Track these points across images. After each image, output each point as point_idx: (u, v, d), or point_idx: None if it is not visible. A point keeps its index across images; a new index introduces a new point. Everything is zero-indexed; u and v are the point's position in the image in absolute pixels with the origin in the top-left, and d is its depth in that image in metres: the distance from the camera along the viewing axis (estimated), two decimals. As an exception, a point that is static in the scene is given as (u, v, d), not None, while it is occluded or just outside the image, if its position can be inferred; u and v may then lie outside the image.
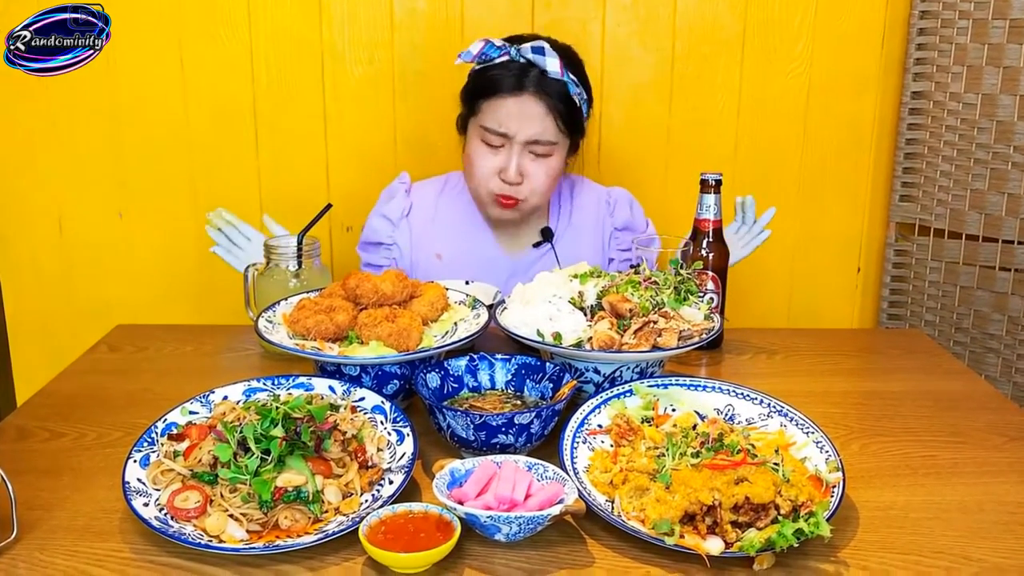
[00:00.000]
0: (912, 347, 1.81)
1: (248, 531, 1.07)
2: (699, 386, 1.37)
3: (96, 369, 1.64)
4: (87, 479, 1.23)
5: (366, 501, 1.13)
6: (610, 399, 1.33)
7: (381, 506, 1.09)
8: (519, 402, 1.37)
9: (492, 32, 1.81)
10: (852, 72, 2.29)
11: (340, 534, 1.06)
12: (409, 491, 1.17)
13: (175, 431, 1.23)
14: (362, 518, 1.06)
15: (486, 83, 1.75)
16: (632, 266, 1.55)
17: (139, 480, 1.15)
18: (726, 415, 1.32)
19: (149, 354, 1.71)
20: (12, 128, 2.26)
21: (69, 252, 2.35)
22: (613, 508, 1.12)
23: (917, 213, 2.33)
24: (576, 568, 1.05)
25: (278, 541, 1.05)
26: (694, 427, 1.25)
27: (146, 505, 1.10)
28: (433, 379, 1.35)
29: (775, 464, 1.12)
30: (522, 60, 1.72)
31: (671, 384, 1.37)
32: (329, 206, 1.75)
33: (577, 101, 1.76)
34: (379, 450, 1.21)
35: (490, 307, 1.52)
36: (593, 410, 1.31)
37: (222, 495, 1.10)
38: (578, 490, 1.10)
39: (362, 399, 1.31)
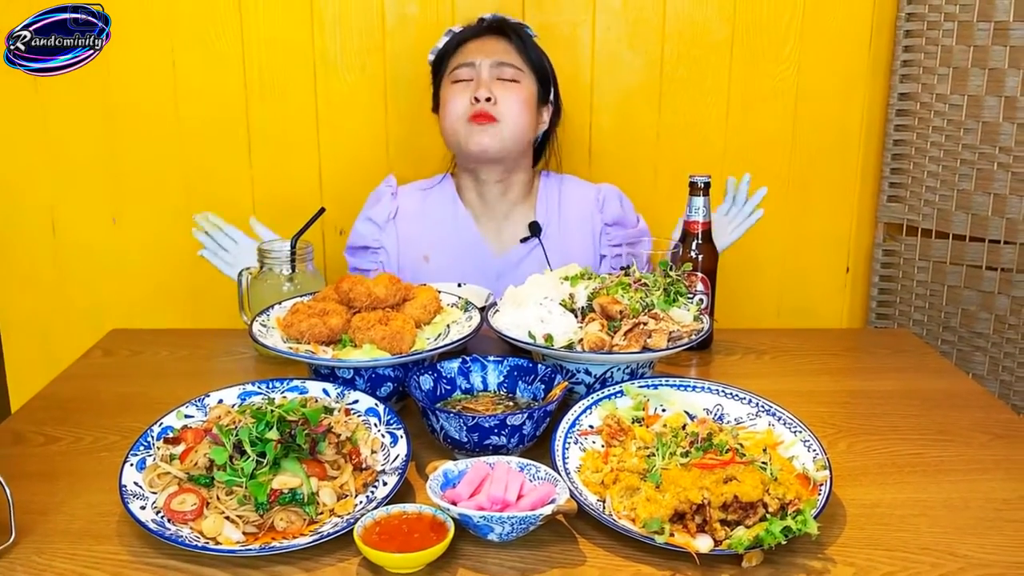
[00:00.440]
0: (900, 346, 1.83)
1: (244, 533, 1.08)
2: (689, 386, 1.38)
3: (91, 373, 1.65)
4: (84, 483, 1.24)
5: (361, 503, 1.14)
6: (601, 400, 1.34)
7: (375, 507, 1.10)
8: (511, 403, 1.38)
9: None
10: (840, 74, 2.31)
11: (335, 535, 1.07)
12: (403, 492, 1.18)
13: (171, 435, 1.24)
14: (357, 519, 1.07)
15: (451, 41, 1.89)
16: (622, 268, 1.57)
17: (136, 483, 1.16)
18: (715, 415, 1.34)
19: (144, 358, 1.72)
20: (5, 133, 2.26)
21: (63, 256, 2.35)
22: (604, 507, 1.14)
23: (905, 213, 2.35)
24: (568, 567, 1.06)
25: (274, 543, 1.06)
26: (684, 427, 1.26)
27: (143, 508, 1.11)
28: (426, 381, 1.37)
29: (763, 463, 1.14)
30: (482, 24, 1.89)
31: (661, 385, 1.38)
32: (322, 210, 1.76)
33: (539, 48, 1.90)
34: (373, 452, 1.23)
35: (482, 309, 1.53)
36: (584, 411, 1.32)
37: (218, 497, 1.11)
38: (570, 490, 1.12)
39: (356, 402, 1.32)
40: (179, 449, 1.20)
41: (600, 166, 2.31)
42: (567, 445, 1.26)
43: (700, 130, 2.34)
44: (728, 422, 1.32)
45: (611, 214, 1.95)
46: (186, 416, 1.29)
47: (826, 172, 2.38)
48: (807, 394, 1.56)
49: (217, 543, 1.06)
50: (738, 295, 2.32)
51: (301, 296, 1.55)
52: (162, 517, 1.10)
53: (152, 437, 1.24)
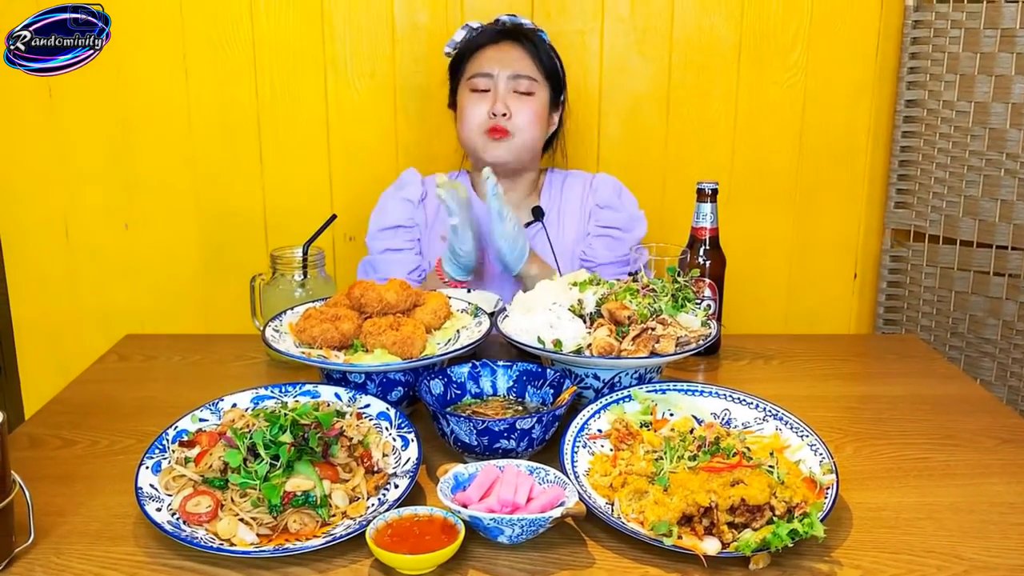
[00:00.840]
0: (908, 352, 1.83)
1: (258, 535, 1.10)
2: (696, 391, 1.39)
3: (106, 378, 1.67)
4: (100, 485, 1.25)
5: (372, 505, 1.16)
6: (609, 404, 1.36)
7: (387, 510, 1.12)
8: (520, 408, 1.40)
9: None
10: (847, 81, 2.32)
11: (347, 537, 1.09)
12: (414, 495, 1.20)
13: (186, 438, 1.26)
14: (369, 521, 1.09)
15: (469, 44, 1.94)
16: (630, 274, 1.58)
17: (151, 486, 1.17)
18: (723, 419, 1.35)
19: (158, 363, 1.74)
20: (19, 139, 2.29)
21: (76, 261, 2.37)
22: (613, 510, 1.15)
23: (912, 219, 2.36)
24: (577, 569, 1.07)
25: (287, 544, 1.08)
26: (691, 431, 1.28)
27: (158, 510, 1.13)
28: (436, 386, 1.38)
29: (770, 467, 1.15)
30: (499, 26, 1.94)
31: (669, 389, 1.39)
32: (334, 217, 1.78)
33: (553, 52, 1.94)
34: (384, 455, 1.24)
35: (491, 315, 1.55)
36: (593, 415, 1.34)
37: (232, 500, 1.12)
38: (579, 493, 1.13)
39: (367, 406, 1.34)
40: (194, 452, 1.21)
41: (608, 172, 2.32)
42: (576, 449, 1.27)
43: (707, 136, 2.35)
44: (735, 426, 1.33)
45: (603, 197, 1.98)
46: (201, 420, 1.30)
47: (834, 178, 2.39)
48: (814, 399, 1.57)
49: (231, 544, 1.08)
50: (746, 301, 2.32)
51: (313, 301, 1.57)
52: (177, 519, 1.12)
53: (167, 440, 1.26)
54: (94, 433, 1.42)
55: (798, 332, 2.44)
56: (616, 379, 1.42)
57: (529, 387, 1.42)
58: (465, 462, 1.21)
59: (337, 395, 1.36)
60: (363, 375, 1.38)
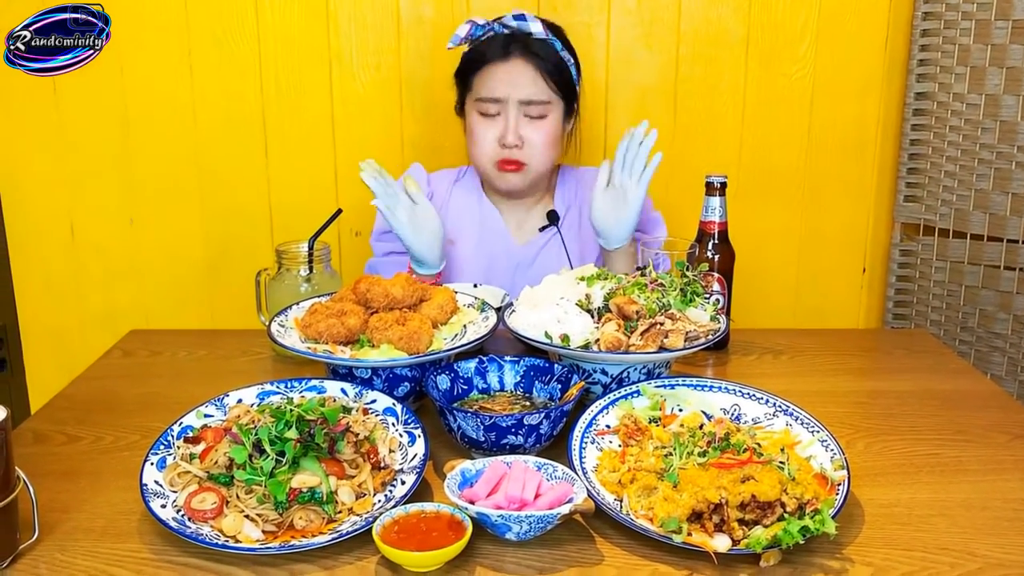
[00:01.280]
0: (917, 347, 1.82)
1: (264, 531, 1.09)
2: (705, 386, 1.38)
3: (111, 374, 1.66)
4: (105, 481, 1.25)
5: (379, 501, 1.15)
6: (618, 400, 1.35)
7: (394, 506, 1.11)
8: (528, 403, 1.39)
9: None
10: (856, 73, 2.31)
11: (354, 534, 1.08)
12: (421, 491, 1.19)
13: (191, 434, 1.25)
14: (375, 518, 1.08)
15: (475, 57, 1.83)
16: (638, 268, 1.57)
17: (156, 482, 1.17)
18: (732, 415, 1.34)
19: (163, 359, 1.73)
20: (24, 137, 2.29)
21: (81, 258, 2.37)
22: (622, 507, 1.14)
23: (922, 213, 2.34)
24: (586, 566, 1.06)
25: (293, 541, 1.07)
26: (701, 427, 1.27)
27: (163, 507, 1.12)
28: (443, 381, 1.37)
29: (781, 463, 1.14)
30: (506, 30, 1.80)
31: (678, 385, 1.38)
32: (339, 212, 1.77)
33: (565, 62, 1.82)
34: (391, 451, 1.23)
35: (498, 310, 1.54)
36: (601, 411, 1.33)
37: (238, 496, 1.12)
38: (587, 489, 1.12)
39: (374, 401, 1.33)
40: (199, 448, 1.21)
41: (615, 166, 2.31)
42: (584, 445, 1.26)
43: (715, 130, 2.33)
44: (745, 422, 1.32)
45: None
46: (206, 415, 1.30)
47: (842, 172, 2.37)
48: (824, 394, 1.56)
49: (237, 541, 1.07)
50: (754, 295, 2.31)
51: (319, 297, 1.56)
52: (182, 515, 1.11)
53: (172, 436, 1.25)
54: (99, 429, 1.41)
55: (807, 326, 2.43)
56: (624, 374, 1.41)
57: (536, 382, 1.41)
58: (472, 458, 1.20)
59: (343, 391, 1.35)
60: (369, 370, 1.37)
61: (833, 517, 1.06)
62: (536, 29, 1.79)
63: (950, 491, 1.23)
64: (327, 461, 1.16)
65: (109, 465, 1.30)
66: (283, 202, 2.34)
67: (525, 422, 1.22)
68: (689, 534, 1.07)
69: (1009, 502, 1.20)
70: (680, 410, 1.35)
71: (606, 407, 1.33)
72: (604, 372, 1.42)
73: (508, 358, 1.43)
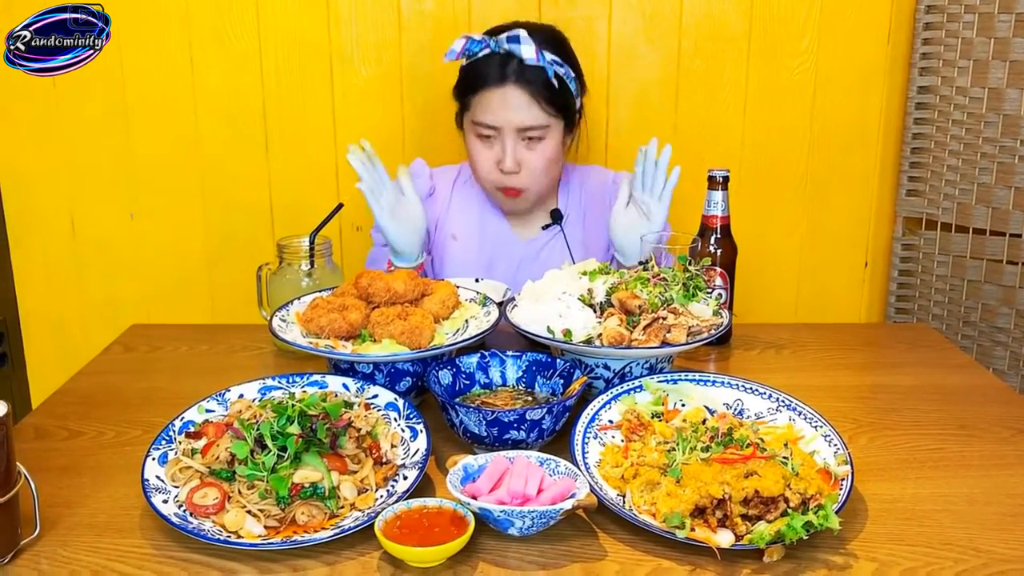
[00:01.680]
0: (920, 341, 1.82)
1: (266, 527, 1.09)
2: (708, 381, 1.38)
3: (112, 369, 1.66)
4: (106, 477, 1.25)
5: (381, 497, 1.15)
6: (620, 395, 1.34)
7: (396, 501, 1.11)
8: (530, 398, 1.38)
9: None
10: (858, 67, 2.30)
11: (356, 529, 1.08)
12: (423, 486, 1.19)
13: (192, 429, 1.25)
14: (377, 513, 1.08)
15: (470, 78, 1.80)
16: (641, 263, 1.56)
17: (158, 477, 1.16)
18: (735, 410, 1.34)
19: (164, 353, 1.73)
20: (24, 130, 2.28)
21: (81, 252, 2.37)
22: (624, 502, 1.14)
23: (924, 207, 2.34)
24: (588, 561, 1.06)
25: (295, 536, 1.07)
26: (704, 422, 1.26)
27: (165, 502, 1.12)
28: (445, 376, 1.37)
29: (784, 458, 1.14)
30: (501, 51, 1.76)
31: (680, 379, 1.38)
32: (340, 206, 1.77)
33: (564, 79, 1.77)
34: (393, 446, 1.23)
35: (500, 304, 1.53)
36: (604, 406, 1.32)
37: (240, 492, 1.12)
38: (590, 485, 1.12)
39: (375, 396, 1.33)
40: (201, 443, 1.20)
41: (617, 160, 2.31)
42: (587, 440, 1.26)
43: (717, 124, 2.33)
44: (748, 417, 1.32)
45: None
46: (207, 411, 1.29)
47: (845, 166, 2.37)
48: (827, 389, 1.55)
49: (239, 536, 1.07)
50: (757, 290, 2.31)
51: (320, 291, 1.56)
52: (184, 511, 1.11)
53: (174, 431, 1.25)
54: (100, 424, 1.41)
55: (809, 321, 2.42)
56: (627, 369, 1.41)
57: (539, 377, 1.41)
58: (474, 453, 1.20)
59: (345, 385, 1.35)
60: (371, 365, 1.37)
61: (836, 512, 1.06)
62: (528, 55, 1.72)
63: (953, 486, 1.23)
64: (329, 456, 1.15)
65: (111, 460, 1.30)
66: (284, 196, 2.34)
67: (527, 417, 1.22)
68: (692, 529, 1.06)
69: (1013, 497, 1.20)
70: (683, 405, 1.34)
71: (608, 402, 1.33)
72: (606, 367, 1.41)
73: (510, 353, 1.42)
